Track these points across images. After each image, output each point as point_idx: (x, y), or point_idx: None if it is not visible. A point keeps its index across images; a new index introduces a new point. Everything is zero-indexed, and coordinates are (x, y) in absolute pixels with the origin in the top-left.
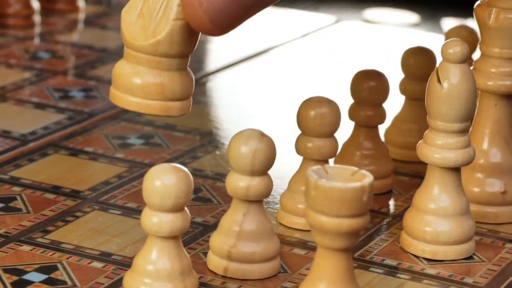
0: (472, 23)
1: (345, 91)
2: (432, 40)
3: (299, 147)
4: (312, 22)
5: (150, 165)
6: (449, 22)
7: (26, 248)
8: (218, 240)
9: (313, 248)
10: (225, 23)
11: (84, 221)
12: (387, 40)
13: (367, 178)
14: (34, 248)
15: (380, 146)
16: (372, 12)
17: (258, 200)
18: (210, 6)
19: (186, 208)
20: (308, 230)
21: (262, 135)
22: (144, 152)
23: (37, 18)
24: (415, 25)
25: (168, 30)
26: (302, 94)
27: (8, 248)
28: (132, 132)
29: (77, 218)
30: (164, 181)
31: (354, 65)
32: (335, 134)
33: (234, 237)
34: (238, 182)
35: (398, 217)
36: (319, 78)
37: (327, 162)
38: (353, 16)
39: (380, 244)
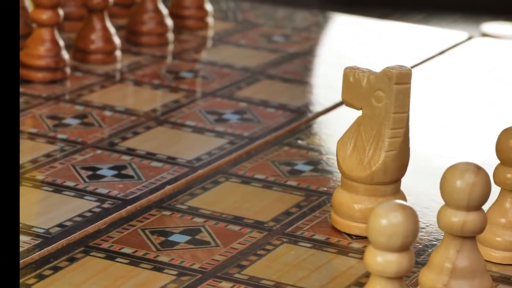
0: None
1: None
2: None
3: (498, 178)
4: (445, 39)
5: (327, 193)
6: None
7: (226, 285)
8: (430, 278)
9: None
10: None
11: (277, 255)
12: None
13: None
14: (235, 285)
15: None
16: (490, 26)
17: (471, 236)
18: None
19: (411, 247)
20: (508, 264)
21: (478, 168)
22: (316, 180)
23: (170, 36)
24: None
25: (382, 161)
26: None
27: (208, 285)
28: (297, 157)
29: (268, 251)
30: (390, 219)
31: (498, 84)
32: None
33: (447, 275)
34: (453, 217)
35: None
36: (470, 99)
37: None
38: (470, 30)
39: None
